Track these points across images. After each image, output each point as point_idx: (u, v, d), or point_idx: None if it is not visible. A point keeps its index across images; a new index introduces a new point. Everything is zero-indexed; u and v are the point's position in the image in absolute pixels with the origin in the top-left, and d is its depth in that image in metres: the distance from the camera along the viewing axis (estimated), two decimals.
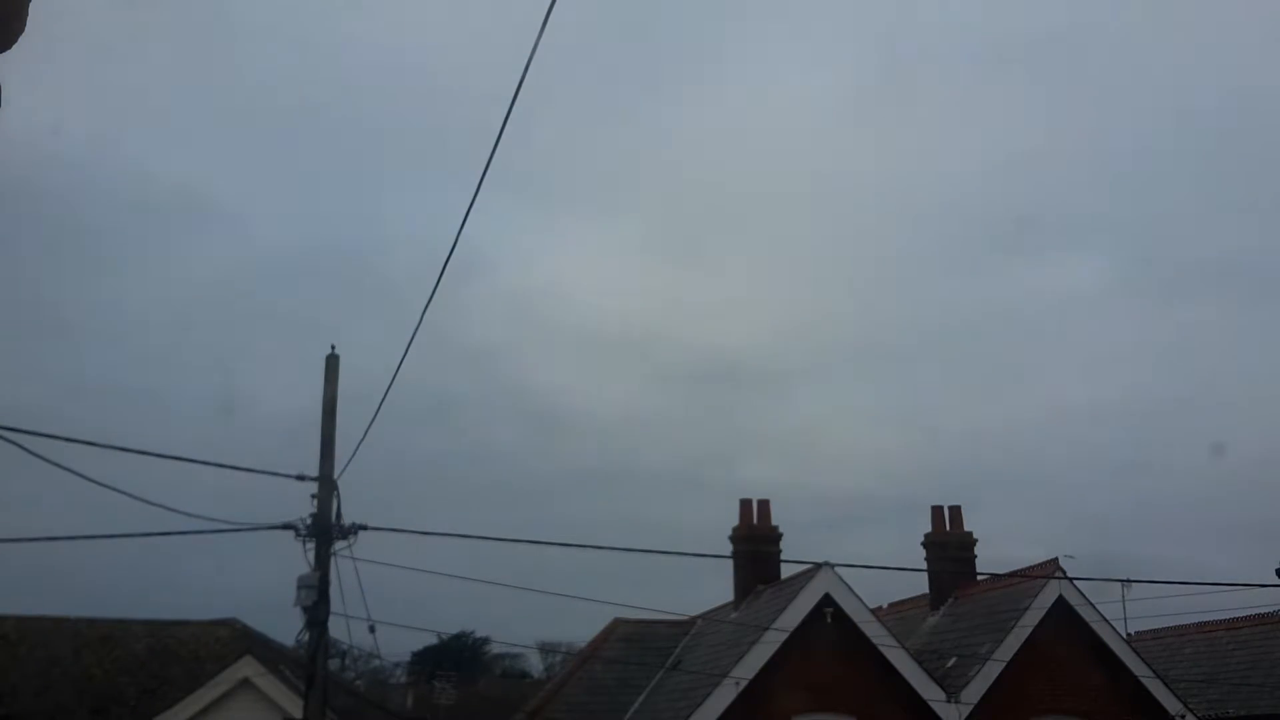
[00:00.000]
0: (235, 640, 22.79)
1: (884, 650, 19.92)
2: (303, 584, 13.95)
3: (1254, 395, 77.48)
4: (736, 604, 23.62)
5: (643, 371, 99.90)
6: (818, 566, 20.08)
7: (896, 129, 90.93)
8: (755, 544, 23.70)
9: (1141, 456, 77.53)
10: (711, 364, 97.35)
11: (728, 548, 24.14)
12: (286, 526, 14.00)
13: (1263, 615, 26.13)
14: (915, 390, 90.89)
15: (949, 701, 19.66)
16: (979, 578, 23.88)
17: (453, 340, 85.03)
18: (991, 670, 19.99)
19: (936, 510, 24.32)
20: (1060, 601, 20.83)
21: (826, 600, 19.98)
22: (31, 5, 4.52)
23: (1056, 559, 21.41)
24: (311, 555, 14.09)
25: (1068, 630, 20.88)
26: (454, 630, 55.16)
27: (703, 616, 24.91)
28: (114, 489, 12.18)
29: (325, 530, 14.19)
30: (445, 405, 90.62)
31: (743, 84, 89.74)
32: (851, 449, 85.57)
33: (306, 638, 14.30)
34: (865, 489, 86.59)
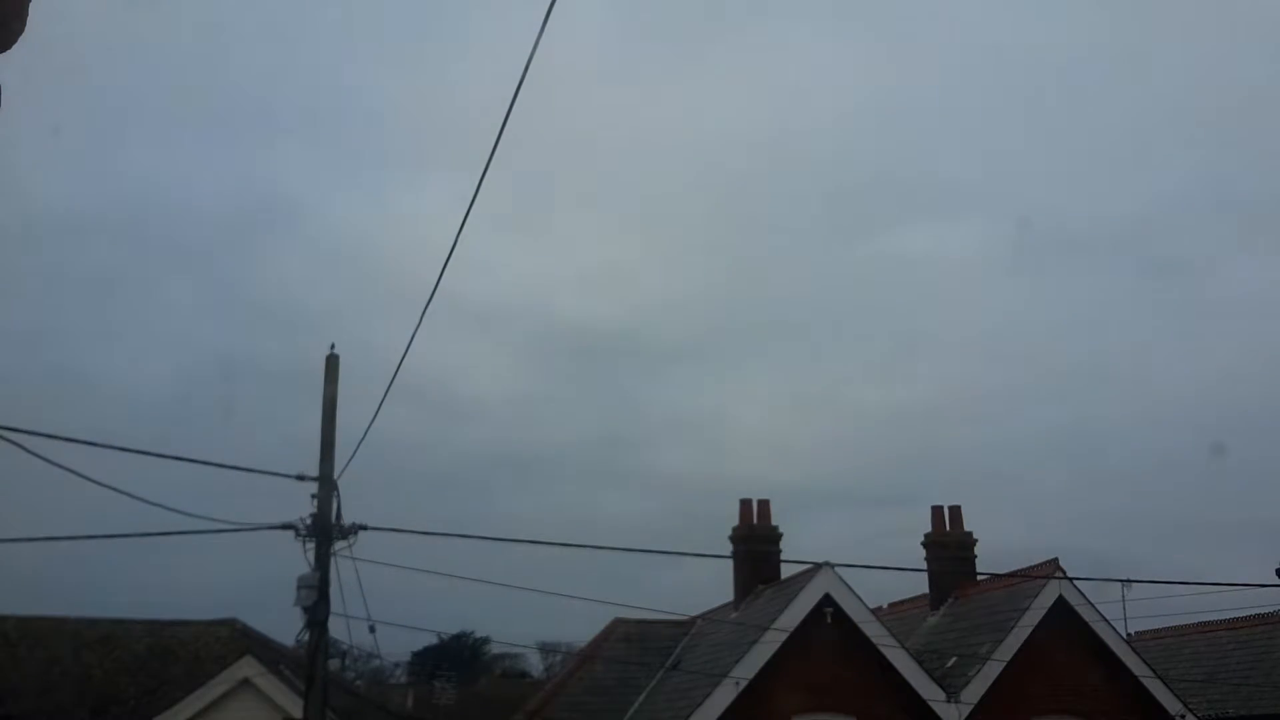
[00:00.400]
0: (235, 640, 22.78)
1: (884, 650, 19.92)
2: (303, 584, 13.95)
3: (1142, 369, 77.37)
4: (736, 604, 23.62)
5: (515, 345, 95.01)
6: (818, 566, 20.09)
7: (748, 83, 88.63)
8: (755, 544, 23.71)
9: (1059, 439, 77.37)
10: (589, 339, 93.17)
11: (710, 546, 24.16)
12: (286, 526, 14.00)
13: (1263, 615, 26.13)
14: (808, 367, 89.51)
15: (949, 701, 19.66)
16: (979, 578, 23.87)
17: (294, 306, 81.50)
18: (991, 670, 19.99)
19: (936, 510, 24.32)
20: (1060, 601, 20.83)
21: (826, 600, 19.98)
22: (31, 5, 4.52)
23: (1056, 559, 21.42)
24: (311, 555, 14.10)
25: (1068, 630, 20.88)
26: (454, 630, 55.22)
27: (703, 616, 24.91)
28: (114, 489, 12.19)
29: (325, 530, 14.19)
30: (299, 379, 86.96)
31: (595, 33, 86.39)
32: (762, 433, 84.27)
33: (306, 638, 14.31)
34: (782, 477, 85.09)
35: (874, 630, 20.14)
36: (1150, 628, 28.61)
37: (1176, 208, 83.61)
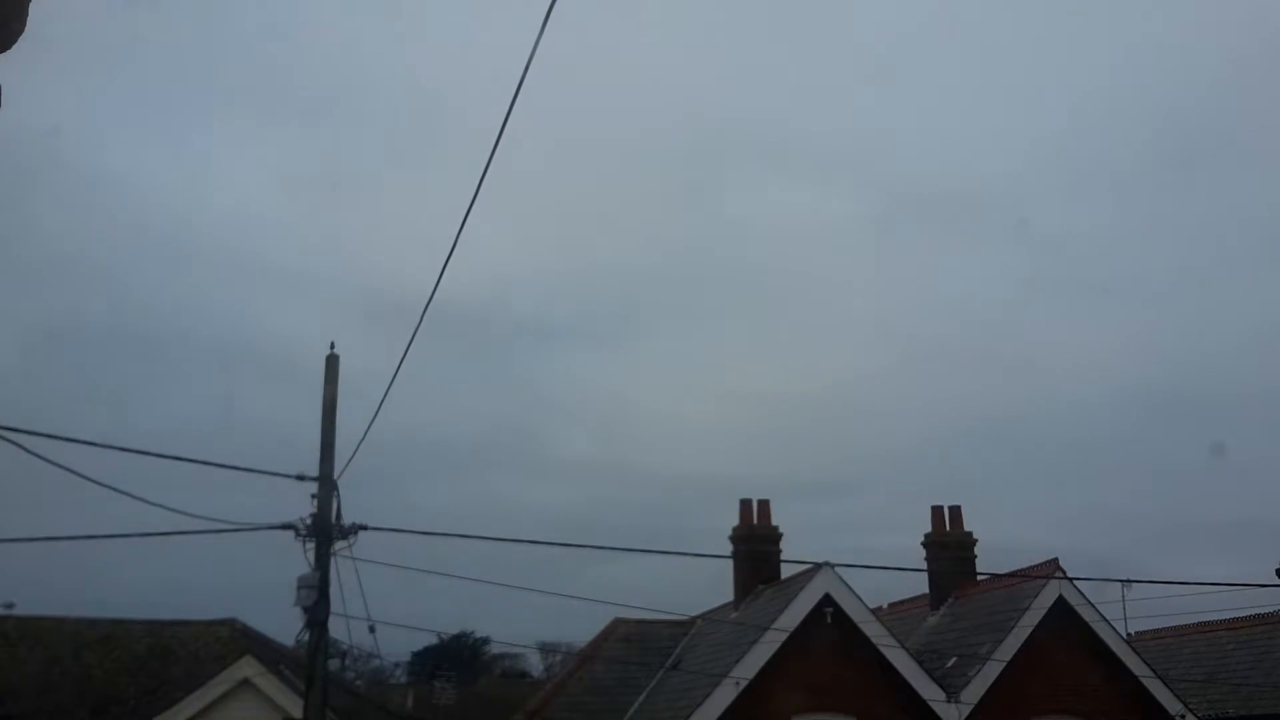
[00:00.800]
0: (235, 640, 22.78)
1: (884, 650, 19.91)
2: (303, 584, 13.95)
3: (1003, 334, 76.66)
4: (736, 604, 23.62)
5: (356, 315, 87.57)
6: (818, 566, 20.09)
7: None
8: (755, 544, 23.70)
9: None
10: (440, 310, 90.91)
11: (717, 546, 24.15)
12: (286, 526, 14.00)
13: (1263, 615, 26.13)
14: (697, 346, 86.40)
15: (949, 701, 19.66)
16: (979, 578, 23.87)
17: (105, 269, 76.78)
18: (991, 670, 19.99)
19: (936, 510, 24.32)
20: (1060, 601, 20.83)
21: (826, 600, 19.98)
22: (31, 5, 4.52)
23: (1056, 559, 21.42)
24: (311, 555, 14.09)
25: (1068, 630, 20.88)
26: (454, 630, 55.25)
27: (703, 616, 24.91)
28: (114, 489, 12.19)
29: (325, 530, 14.18)
30: (127, 350, 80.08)
31: None
32: (660, 417, 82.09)
33: (306, 638, 14.31)
34: (690, 469, 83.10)
35: (874, 630, 20.14)
36: (1150, 628, 28.62)
37: (1052, 177, 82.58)
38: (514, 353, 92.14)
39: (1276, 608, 25.75)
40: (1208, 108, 75.50)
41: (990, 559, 24.07)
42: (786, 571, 22.71)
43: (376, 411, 15.01)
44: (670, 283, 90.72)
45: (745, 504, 24.10)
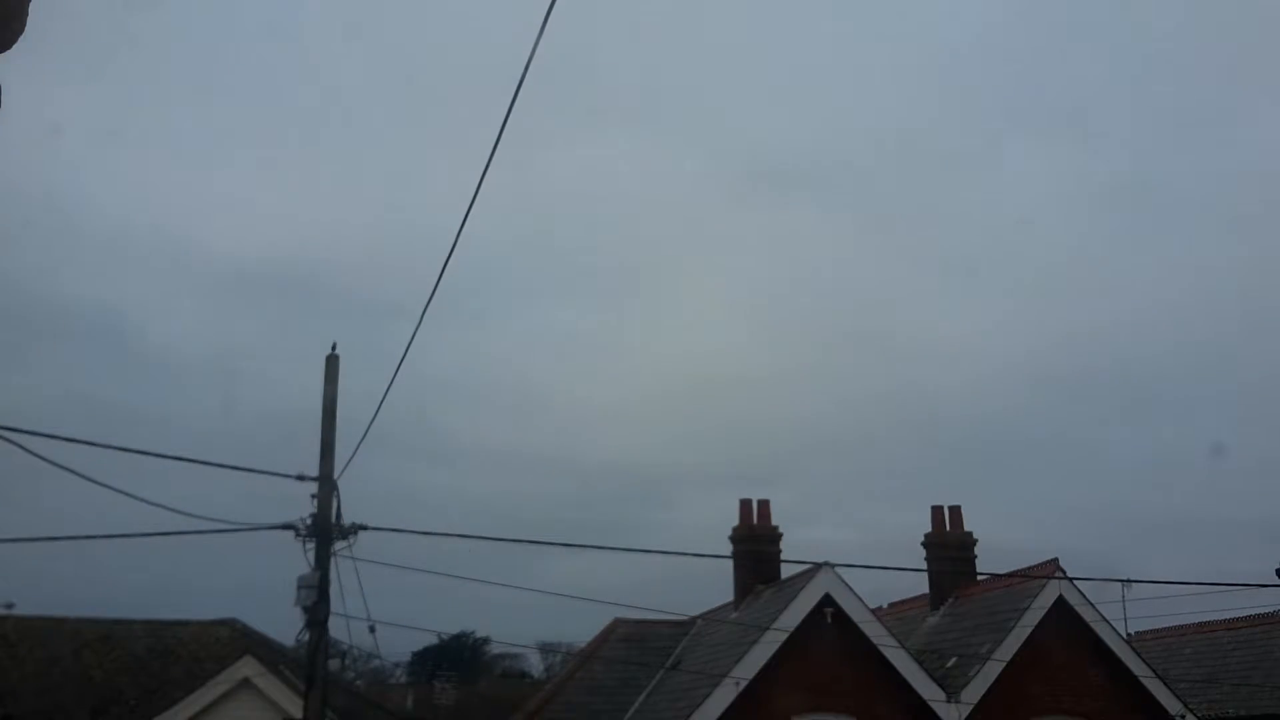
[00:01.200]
0: (235, 640, 22.78)
1: (884, 650, 19.91)
2: (303, 584, 13.96)
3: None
4: (736, 604, 23.63)
5: (193, 284, 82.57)
6: (818, 566, 20.09)
7: None
8: (755, 544, 23.71)
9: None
10: (290, 274, 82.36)
11: (718, 548, 24.15)
12: (286, 526, 14.00)
13: (1263, 615, 26.13)
14: (563, 322, 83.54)
15: (949, 701, 19.66)
16: (979, 578, 23.88)
17: None
18: (991, 670, 19.99)
19: (936, 510, 24.32)
20: (1060, 601, 20.83)
21: (826, 600, 19.98)
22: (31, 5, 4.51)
23: (1056, 559, 21.42)
24: (311, 555, 14.10)
25: (1068, 630, 20.88)
26: (454, 630, 55.26)
27: (703, 616, 24.91)
28: (114, 489, 12.19)
29: (325, 530, 14.19)
30: None
31: None
32: (560, 398, 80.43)
33: (306, 638, 14.31)
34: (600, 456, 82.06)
35: (874, 630, 20.14)
36: (1150, 628, 28.62)
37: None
38: (379, 329, 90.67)
39: (1276, 608, 25.77)
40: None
41: (983, 558, 24.04)
42: (786, 571, 22.72)
43: (377, 411, 15.03)
44: (528, 258, 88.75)
45: (745, 504, 24.11)
